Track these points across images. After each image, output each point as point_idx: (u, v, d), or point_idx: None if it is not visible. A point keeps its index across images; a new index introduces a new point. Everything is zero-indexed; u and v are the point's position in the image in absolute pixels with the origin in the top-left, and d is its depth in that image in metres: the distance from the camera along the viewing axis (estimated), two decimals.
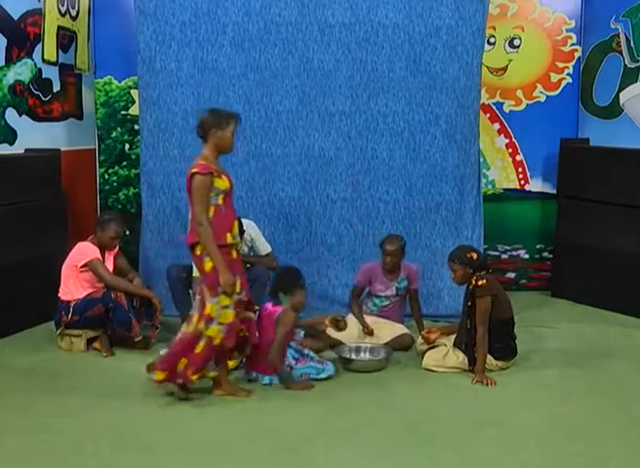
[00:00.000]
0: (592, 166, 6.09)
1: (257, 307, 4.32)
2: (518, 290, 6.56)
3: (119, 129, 6.40)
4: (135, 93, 6.16)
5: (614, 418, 3.87)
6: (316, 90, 5.68)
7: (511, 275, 6.69)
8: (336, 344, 4.85)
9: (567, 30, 6.48)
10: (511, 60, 6.51)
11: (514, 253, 6.69)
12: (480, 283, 4.44)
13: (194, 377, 4.01)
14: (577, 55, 6.50)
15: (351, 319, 5.13)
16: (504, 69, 6.51)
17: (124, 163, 6.44)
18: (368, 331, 5.00)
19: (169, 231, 5.80)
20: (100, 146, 6.43)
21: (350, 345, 4.83)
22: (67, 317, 4.84)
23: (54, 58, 6.02)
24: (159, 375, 3.99)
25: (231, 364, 4.25)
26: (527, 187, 6.62)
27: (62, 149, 5.84)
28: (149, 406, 4.01)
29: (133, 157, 6.38)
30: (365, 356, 4.78)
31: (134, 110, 6.25)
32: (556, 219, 6.44)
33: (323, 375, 4.40)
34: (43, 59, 5.85)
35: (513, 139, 6.56)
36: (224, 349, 4.06)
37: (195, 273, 5.01)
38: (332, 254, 5.84)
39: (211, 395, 4.12)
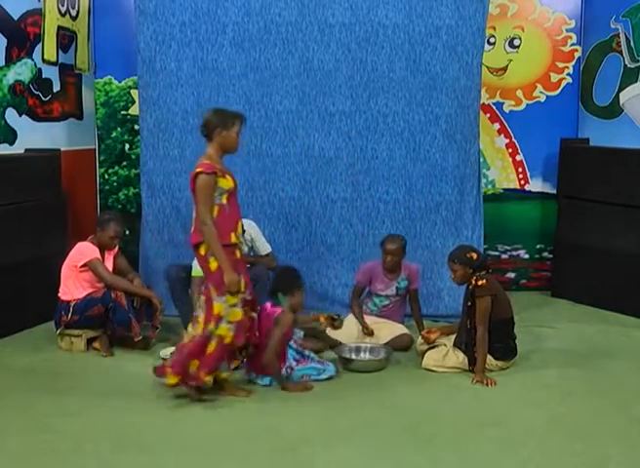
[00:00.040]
0: (592, 166, 6.09)
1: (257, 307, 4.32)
2: (518, 290, 6.56)
3: (119, 129, 6.41)
4: (135, 93, 6.16)
5: (614, 418, 3.87)
6: (316, 90, 5.68)
7: (511, 275, 6.69)
8: (336, 345, 4.85)
9: (567, 30, 6.48)
10: (511, 60, 6.51)
11: (514, 253, 6.69)
12: (480, 283, 4.44)
13: (207, 378, 3.99)
14: (577, 55, 6.50)
15: (351, 319, 5.14)
16: (504, 69, 6.51)
17: (124, 163, 6.44)
18: (368, 332, 5.00)
19: (169, 231, 5.81)
20: (99, 146, 6.43)
21: (350, 345, 4.83)
22: (67, 317, 4.84)
23: (54, 58, 6.02)
24: (172, 379, 3.97)
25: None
26: (527, 187, 6.62)
27: (62, 149, 5.84)
28: (149, 405, 4.01)
29: (133, 157, 6.38)
30: (365, 356, 4.78)
31: (134, 110, 6.25)
32: (556, 219, 6.44)
33: (324, 376, 4.40)
34: (43, 59, 5.85)
35: (513, 139, 6.56)
36: (234, 348, 4.06)
37: (194, 273, 5.03)
38: (332, 254, 5.84)
39: (209, 395, 4.12)
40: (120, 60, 6.25)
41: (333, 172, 5.76)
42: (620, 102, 6.18)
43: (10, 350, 4.90)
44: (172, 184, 5.74)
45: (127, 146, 6.43)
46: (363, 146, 5.73)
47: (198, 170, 3.91)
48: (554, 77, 6.52)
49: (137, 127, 6.14)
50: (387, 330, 5.05)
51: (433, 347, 4.67)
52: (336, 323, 4.75)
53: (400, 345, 4.91)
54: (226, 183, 3.96)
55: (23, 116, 5.64)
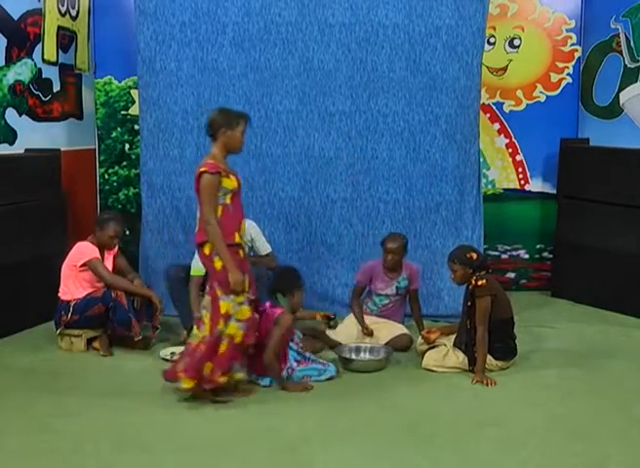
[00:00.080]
0: (592, 166, 6.09)
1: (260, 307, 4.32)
2: (518, 290, 6.56)
3: (119, 129, 6.41)
4: (135, 93, 6.16)
5: (614, 418, 3.87)
6: (316, 90, 5.68)
7: (511, 275, 6.69)
8: (335, 345, 4.85)
9: (567, 30, 6.48)
10: (511, 60, 6.51)
11: (514, 253, 6.69)
12: (480, 283, 4.44)
13: (222, 379, 3.97)
14: (577, 55, 6.50)
15: (351, 319, 5.14)
16: (504, 69, 6.51)
17: (124, 163, 6.44)
18: (367, 333, 5.00)
19: (169, 231, 5.81)
20: (99, 146, 6.43)
21: (350, 345, 4.83)
22: (67, 317, 4.84)
23: (54, 58, 6.02)
24: (187, 384, 3.94)
25: None
26: (527, 187, 6.62)
27: (62, 149, 5.83)
28: (149, 406, 4.01)
29: (133, 157, 6.38)
30: (365, 356, 4.78)
31: (134, 110, 6.25)
32: (556, 219, 6.44)
33: (324, 377, 4.40)
34: (43, 59, 5.85)
35: (513, 139, 6.56)
36: (245, 347, 4.05)
37: (193, 272, 5.03)
38: (332, 254, 5.84)
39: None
40: (120, 60, 6.25)
41: (333, 172, 5.76)
42: (620, 102, 6.18)
43: (10, 350, 4.90)
44: (172, 184, 5.74)
45: (127, 146, 6.43)
46: (363, 146, 5.73)
47: (202, 169, 3.91)
48: (554, 77, 6.52)
49: (137, 127, 6.14)
50: (387, 330, 5.04)
51: (433, 347, 4.67)
52: (331, 322, 4.75)
53: (399, 345, 4.91)
54: (230, 183, 3.96)
55: (23, 116, 5.64)
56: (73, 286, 4.90)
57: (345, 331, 5.07)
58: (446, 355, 4.56)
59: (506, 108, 6.53)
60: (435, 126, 5.70)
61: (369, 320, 5.11)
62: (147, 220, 5.83)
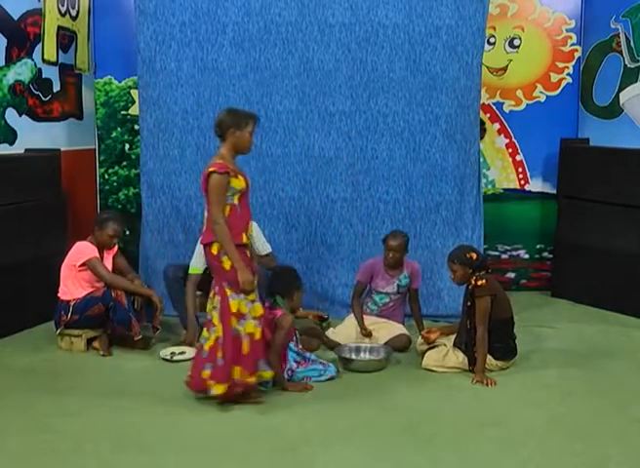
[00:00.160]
0: (592, 166, 6.09)
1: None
2: (518, 290, 6.56)
3: (119, 129, 6.41)
4: (135, 93, 6.16)
5: (614, 418, 3.87)
6: (316, 90, 5.68)
7: (511, 275, 6.69)
8: (334, 345, 4.86)
9: (567, 30, 6.48)
10: (511, 60, 6.51)
11: (514, 253, 6.69)
12: (479, 283, 4.44)
13: (252, 379, 3.96)
14: (577, 55, 6.50)
15: (351, 320, 5.14)
16: (504, 69, 6.51)
17: (124, 163, 6.44)
18: (366, 333, 5.00)
19: (169, 231, 5.81)
20: (99, 146, 6.43)
21: (350, 345, 4.83)
22: (67, 316, 4.84)
23: (54, 58, 6.02)
24: (219, 389, 3.90)
25: None
26: (527, 187, 6.62)
27: (62, 149, 5.84)
28: (149, 405, 4.00)
29: (133, 157, 6.38)
30: (365, 356, 4.78)
31: (134, 110, 6.25)
32: (556, 219, 6.44)
33: (324, 377, 4.40)
34: (43, 59, 5.85)
35: (513, 139, 6.56)
36: (265, 343, 4.04)
37: (191, 270, 5.04)
38: (332, 254, 5.84)
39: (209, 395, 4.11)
40: (120, 60, 6.25)
41: (333, 172, 5.76)
42: (620, 102, 6.18)
43: (10, 350, 4.90)
44: (172, 184, 5.75)
45: (127, 146, 6.43)
46: (363, 146, 5.73)
47: (211, 169, 3.90)
48: (554, 77, 6.52)
49: (137, 127, 6.14)
50: (386, 330, 5.04)
51: (433, 347, 4.67)
52: (324, 323, 4.74)
53: (397, 345, 4.89)
54: (239, 183, 3.95)
55: (23, 116, 5.64)
56: (73, 286, 4.90)
57: (345, 331, 5.07)
58: (446, 355, 4.56)
59: (506, 108, 6.53)
60: (435, 126, 5.70)
61: (368, 320, 5.11)
62: (147, 220, 5.83)
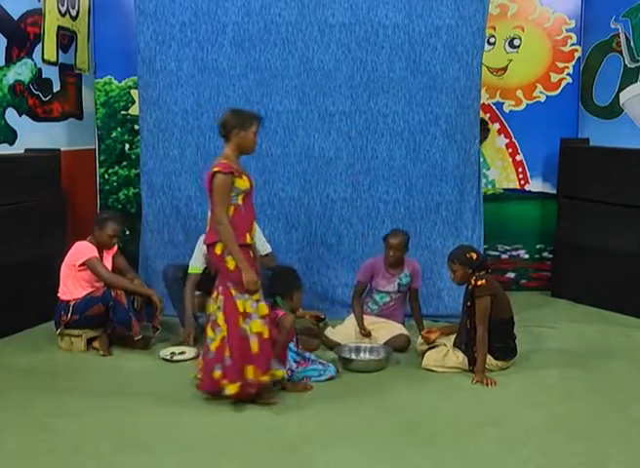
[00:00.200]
0: (592, 166, 6.09)
1: None
2: (518, 290, 6.56)
3: (119, 129, 6.41)
4: (135, 93, 6.16)
5: (614, 418, 3.87)
6: (316, 90, 5.68)
7: (511, 275, 6.69)
8: (334, 345, 4.86)
9: (567, 30, 6.48)
10: (511, 60, 6.51)
11: (514, 253, 6.69)
12: (479, 283, 4.44)
13: (265, 378, 3.95)
14: (577, 55, 6.50)
15: (351, 320, 5.14)
16: (504, 69, 6.51)
17: (124, 163, 6.44)
18: (365, 334, 4.99)
19: (169, 231, 5.81)
20: (99, 146, 6.43)
21: (350, 345, 4.83)
22: (67, 316, 4.84)
23: (54, 58, 6.02)
24: (233, 389, 3.90)
25: None
26: (527, 187, 6.62)
27: (62, 149, 5.84)
28: (149, 405, 4.00)
29: (133, 157, 6.38)
30: (365, 356, 4.78)
31: (134, 110, 6.25)
32: (556, 219, 6.44)
33: (324, 377, 4.40)
34: (43, 59, 5.85)
35: (513, 139, 6.56)
36: (273, 342, 4.04)
37: (191, 270, 5.04)
38: (332, 254, 5.84)
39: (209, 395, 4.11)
40: (120, 60, 6.25)
41: (333, 172, 5.76)
42: (620, 102, 6.18)
43: (10, 350, 4.90)
44: (172, 184, 5.74)
45: (127, 146, 6.43)
46: (363, 146, 5.73)
47: (215, 169, 3.90)
48: (554, 77, 6.52)
49: (137, 127, 6.14)
50: (385, 330, 5.04)
51: (433, 347, 4.67)
52: (320, 323, 4.73)
53: (396, 346, 4.89)
54: (243, 184, 3.95)
55: (23, 116, 5.64)
56: (72, 286, 4.90)
57: (344, 331, 5.07)
58: (446, 355, 4.57)
59: (506, 108, 6.53)
60: (435, 126, 5.70)
61: (368, 320, 5.11)
62: (147, 220, 5.83)
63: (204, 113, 5.66)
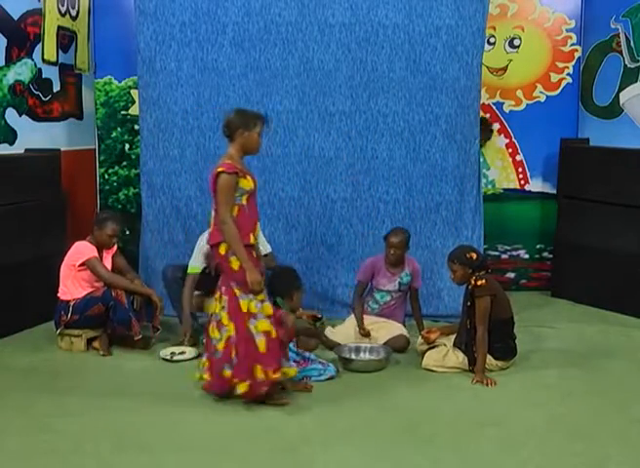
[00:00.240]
0: (592, 166, 6.09)
1: None
2: (518, 290, 6.56)
3: (119, 129, 6.41)
4: (135, 93, 6.16)
5: (614, 418, 3.87)
6: (316, 90, 5.68)
7: (511, 275, 6.69)
8: (334, 345, 4.85)
9: (567, 30, 6.48)
10: (511, 60, 6.51)
11: (514, 253, 6.69)
12: (479, 283, 4.44)
13: (276, 376, 3.94)
14: (577, 55, 6.50)
15: (351, 320, 5.14)
16: (504, 69, 6.51)
17: (124, 163, 6.45)
18: (364, 333, 4.99)
19: (169, 231, 5.81)
20: (99, 146, 6.43)
21: (350, 345, 4.83)
22: (67, 316, 4.84)
23: (54, 58, 6.02)
24: (243, 387, 3.90)
25: None
26: (527, 187, 6.62)
27: (62, 149, 5.84)
28: (149, 405, 4.01)
29: (133, 157, 6.38)
30: (365, 356, 4.78)
31: (134, 110, 6.25)
32: (556, 219, 6.44)
33: (324, 377, 4.40)
34: (43, 59, 5.85)
35: (513, 139, 6.56)
36: (281, 341, 4.04)
37: (190, 270, 5.04)
38: (332, 254, 5.84)
39: (210, 395, 4.11)
40: (120, 60, 6.25)
41: (333, 172, 5.76)
42: (620, 102, 6.18)
43: (10, 350, 4.90)
44: (172, 184, 5.74)
45: (127, 146, 6.43)
46: (363, 146, 5.73)
47: (220, 169, 3.89)
48: (554, 77, 6.52)
49: (137, 127, 6.14)
50: (385, 330, 5.04)
51: (433, 347, 4.67)
52: (317, 323, 4.73)
53: (396, 346, 4.88)
54: (247, 184, 3.95)
55: (23, 116, 5.64)
56: (72, 285, 4.90)
57: (344, 331, 5.07)
58: (446, 355, 4.57)
59: (506, 108, 6.53)
60: (435, 126, 5.70)
61: (368, 320, 5.11)
62: (147, 220, 5.83)
63: (204, 113, 5.66)
